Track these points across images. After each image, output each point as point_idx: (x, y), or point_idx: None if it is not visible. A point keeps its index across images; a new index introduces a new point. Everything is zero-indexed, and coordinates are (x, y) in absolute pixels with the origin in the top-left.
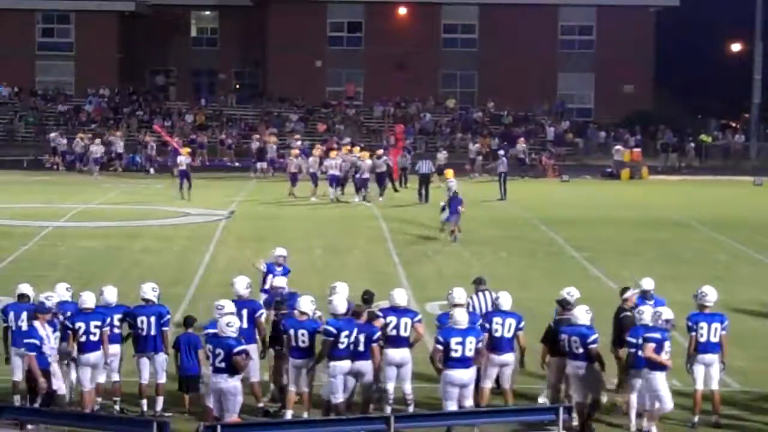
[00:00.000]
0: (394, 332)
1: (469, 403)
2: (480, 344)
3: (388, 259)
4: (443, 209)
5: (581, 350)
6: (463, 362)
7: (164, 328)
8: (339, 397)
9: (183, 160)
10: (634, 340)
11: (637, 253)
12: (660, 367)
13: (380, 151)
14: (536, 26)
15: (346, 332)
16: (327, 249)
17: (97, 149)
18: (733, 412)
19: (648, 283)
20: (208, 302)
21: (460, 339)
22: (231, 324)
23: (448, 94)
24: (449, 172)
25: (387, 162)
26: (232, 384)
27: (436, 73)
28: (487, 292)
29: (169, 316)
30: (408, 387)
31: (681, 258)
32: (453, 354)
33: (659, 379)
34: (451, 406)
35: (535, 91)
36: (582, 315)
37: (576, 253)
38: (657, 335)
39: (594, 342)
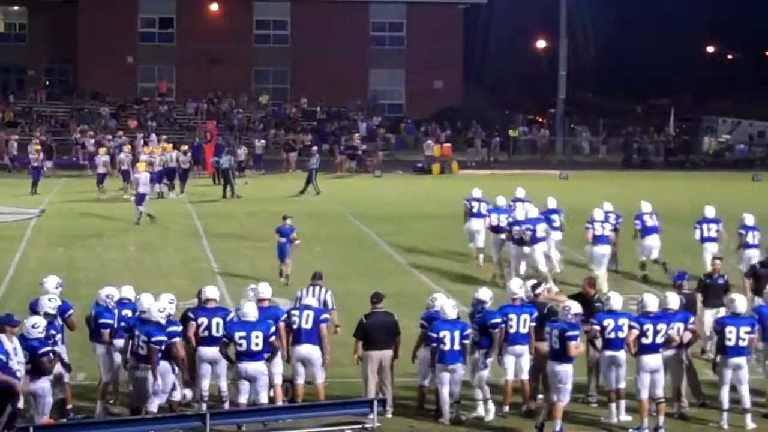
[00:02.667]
0: (206, 333)
1: (263, 397)
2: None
3: (203, 255)
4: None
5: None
6: (251, 356)
7: None
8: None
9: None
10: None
11: (448, 247)
12: (568, 359)
13: (185, 147)
14: (348, 23)
15: None
16: (140, 246)
17: None
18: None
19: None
20: (19, 302)
21: (243, 333)
22: (37, 325)
23: (261, 90)
24: (141, 165)
25: (189, 159)
26: (40, 385)
27: (248, 70)
28: (317, 287)
29: None
30: (223, 384)
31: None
32: (239, 348)
33: (568, 370)
34: (243, 399)
35: (348, 87)
36: (450, 309)
37: (389, 247)
38: (576, 332)
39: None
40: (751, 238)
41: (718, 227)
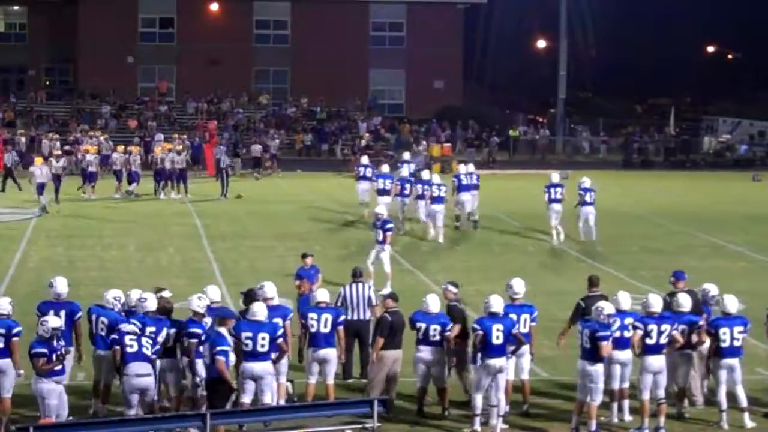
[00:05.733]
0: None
1: (267, 397)
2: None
3: (203, 255)
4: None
5: (438, 338)
6: (257, 357)
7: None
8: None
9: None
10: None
11: (449, 247)
12: (599, 359)
13: (169, 145)
14: (347, 22)
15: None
16: (140, 246)
17: None
18: (542, 400)
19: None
20: (19, 302)
21: (250, 334)
22: (44, 322)
23: (262, 90)
24: (38, 159)
25: (187, 159)
26: (40, 386)
27: (249, 70)
28: (359, 284)
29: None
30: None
31: (491, 250)
32: (245, 348)
33: (599, 370)
34: (247, 399)
35: (348, 87)
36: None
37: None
38: (607, 332)
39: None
40: (588, 197)
41: (562, 190)
